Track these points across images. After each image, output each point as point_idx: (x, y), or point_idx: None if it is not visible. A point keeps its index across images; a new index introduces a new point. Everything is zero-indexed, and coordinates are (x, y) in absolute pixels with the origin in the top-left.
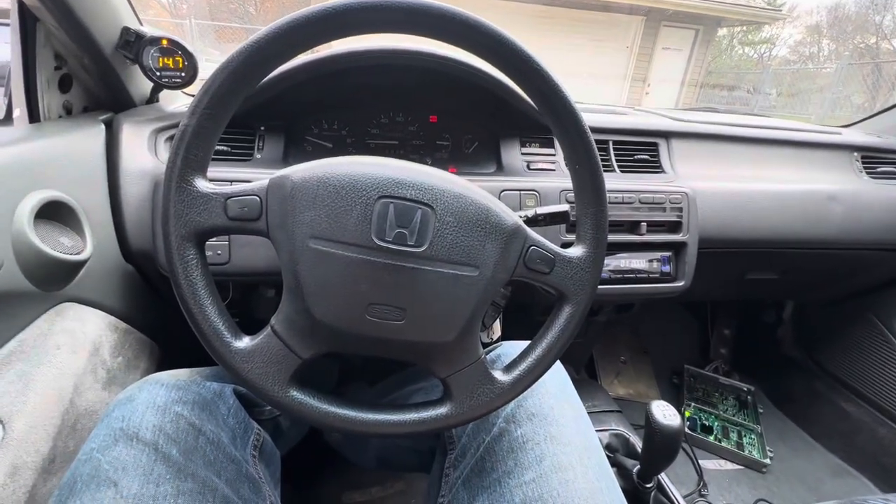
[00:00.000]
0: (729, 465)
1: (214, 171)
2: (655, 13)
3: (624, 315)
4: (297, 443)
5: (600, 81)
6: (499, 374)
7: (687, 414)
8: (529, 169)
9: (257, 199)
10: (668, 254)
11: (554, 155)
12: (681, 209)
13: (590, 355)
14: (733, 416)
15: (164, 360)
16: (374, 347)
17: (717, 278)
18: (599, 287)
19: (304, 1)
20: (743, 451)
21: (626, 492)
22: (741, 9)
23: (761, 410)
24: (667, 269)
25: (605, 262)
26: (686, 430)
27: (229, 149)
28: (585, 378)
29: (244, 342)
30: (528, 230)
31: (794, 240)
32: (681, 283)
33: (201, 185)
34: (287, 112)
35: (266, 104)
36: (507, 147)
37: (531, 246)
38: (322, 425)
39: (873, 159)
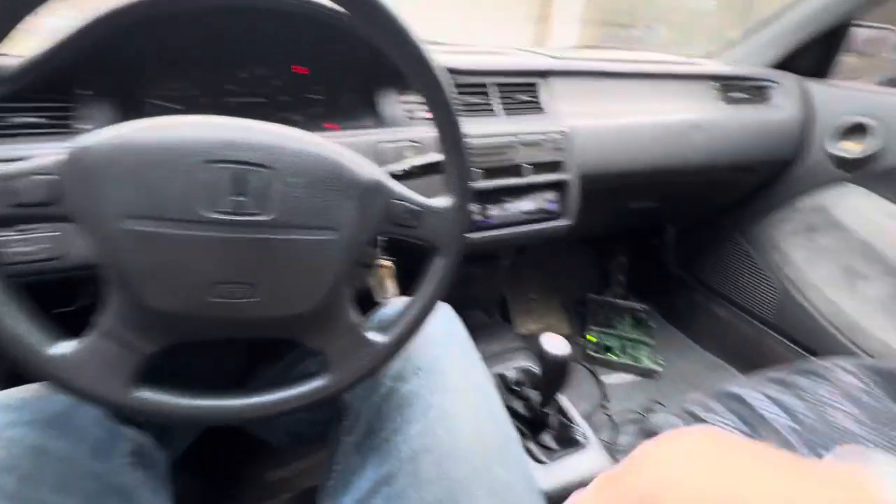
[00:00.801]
0: (628, 377)
1: (23, 147)
2: None
3: (527, 256)
4: (203, 432)
5: (503, 25)
6: (375, 336)
7: (591, 339)
8: (412, 119)
9: (53, 177)
10: (553, 194)
11: None
12: (560, 148)
13: (500, 298)
14: (629, 334)
15: (13, 377)
16: (228, 329)
17: (603, 211)
18: (489, 234)
19: None
20: (640, 364)
21: (530, 420)
22: None
23: (653, 326)
24: (552, 206)
25: (492, 208)
26: (590, 352)
27: (44, 120)
28: (498, 320)
29: (65, 347)
30: (391, 184)
31: (666, 168)
32: (566, 221)
33: None
34: (118, 70)
35: (88, 61)
36: (384, 97)
37: (394, 199)
38: (186, 422)
39: (729, 86)
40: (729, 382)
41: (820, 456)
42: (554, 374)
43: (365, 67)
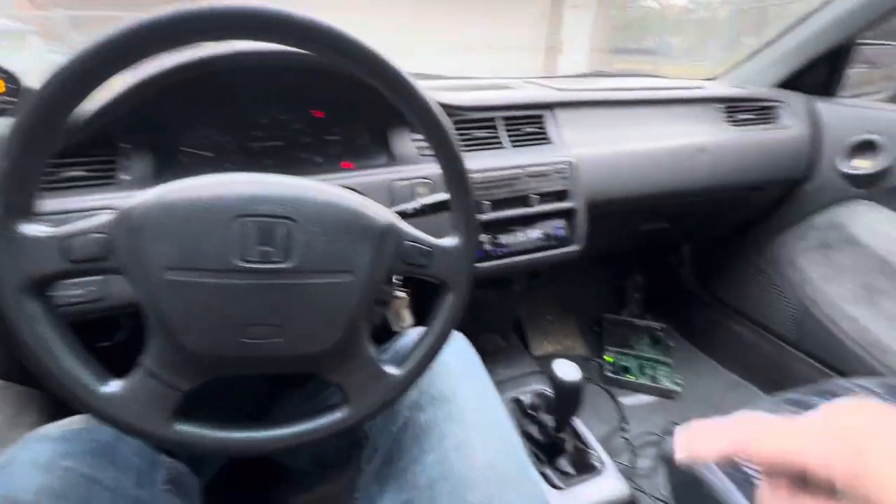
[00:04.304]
0: (646, 399)
1: (71, 200)
2: None
3: (542, 277)
4: (232, 459)
5: (515, 53)
6: (391, 369)
7: (609, 359)
8: (423, 156)
9: (104, 236)
10: (561, 221)
11: None
12: (566, 177)
13: (515, 321)
14: (647, 353)
15: (58, 409)
16: (258, 367)
17: (614, 233)
18: (500, 262)
19: None
20: (657, 384)
21: (546, 445)
22: None
23: (671, 345)
24: (561, 233)
25: (502, 237)
26: (608, 373)
27: (88, 173)
28: (514, 343)
29: (112, 386)
30: (403, 226)
31: (673, 191)
32: (575, 247)
33: (29, 229)
34: (153, 124)
35: (126, 117)
36: (396, 136)
37: (406, 241)
38: (218, 453)
39: (735, 108)
40: (747, 405)
41: None
42: (567, 400)
43: (377, 109)
